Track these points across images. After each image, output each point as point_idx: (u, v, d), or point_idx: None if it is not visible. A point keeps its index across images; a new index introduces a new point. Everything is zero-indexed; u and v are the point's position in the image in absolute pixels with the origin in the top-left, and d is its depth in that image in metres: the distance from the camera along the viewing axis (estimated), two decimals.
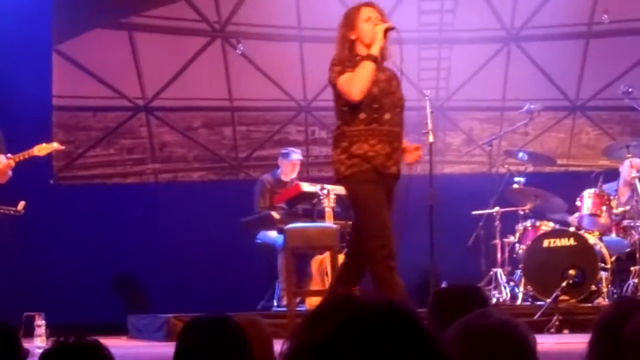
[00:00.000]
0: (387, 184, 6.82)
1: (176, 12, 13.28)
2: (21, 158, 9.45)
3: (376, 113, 6.76)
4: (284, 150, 11.10)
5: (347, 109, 6.79)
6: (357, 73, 6.69)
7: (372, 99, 6.77)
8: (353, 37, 6.90)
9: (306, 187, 9.67)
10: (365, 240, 6.76)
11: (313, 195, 9.56)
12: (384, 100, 6.81)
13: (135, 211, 12.35)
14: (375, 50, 6.79)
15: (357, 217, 6.87)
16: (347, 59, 6.86)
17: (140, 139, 13.98)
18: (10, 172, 9.26)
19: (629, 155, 10.06)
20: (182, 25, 13.43)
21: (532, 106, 10.51)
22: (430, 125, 8.71)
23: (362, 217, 6.78)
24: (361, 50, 6.88)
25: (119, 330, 10.12)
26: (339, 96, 6.85)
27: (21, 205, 9.44)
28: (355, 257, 6.95)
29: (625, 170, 10.39)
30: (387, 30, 6.87)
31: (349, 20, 6.97)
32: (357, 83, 6.66)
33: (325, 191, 9.35)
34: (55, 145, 10.18)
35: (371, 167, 6.70)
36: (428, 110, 8.87)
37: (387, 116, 6.81)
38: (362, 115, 6.74)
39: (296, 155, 10.85)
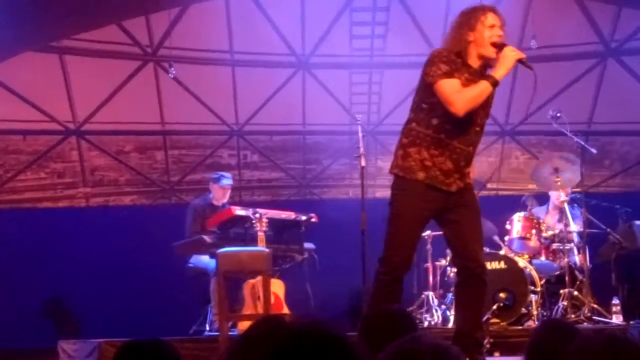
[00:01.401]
0: (441, 200, 6.29)
1: (108, 36, 13.22)
2: None
3: (450, 124, 6.17)
4: (214, 175, 11.03)
5: (426, 106, 6.23)
6: (473, 91, 6.08)
7: None
8: (471, 39, 6.25)
9: (238, 211, 9.64)
10: (384, 246, 6.36)
11: (245, 219, 9.54)
12: (465, 115, 6.16)
13: (66, 235, 12.24)
14: (500, 74, 6.13)
15: (388, 221, 6.36)
16: (452, 60, 6.19)
17: (71, 163, 13.89)
18: None
19: (558, 180, 10.18)
20: (113, 48, 13.36)
21: None
22: (362, 150, 8.76)
23: (389, 222, 6.32)
24: (472, 54, 6.27)
25: (49, 355, 9.97)
26: (427, 92, 6.22)
27: None
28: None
29: (554, 194, 10.52)
30: (518, 60, 6.18)
31: (472, 21, 6.28)
32: (469, 101, 6.06)
33: (257, 215, 9.33)
34: None
35: (423, 177, 6.21)
36: (360, 135, 8.91)
37: (461, 132, 6.23)
38: (436, 121, 6.20)
39: (227, 180, 10.78)
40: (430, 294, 9.87)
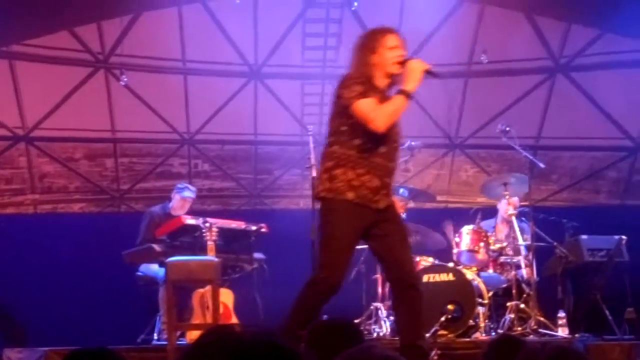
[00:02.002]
0: (370, 218, 6.37)
1: (59, 42, 13.13)
2: None
3: (372, 143, 6.29)
4: (180, 185, 10.95)
5: (345, 129, 6.33)
6: (390, 106, 6.23)
7: None
8: (374, 61, 6.42)
9: (188, 220, 9.62)
10: (316, 266, 6.51)
11: (195, 228, 9.52)
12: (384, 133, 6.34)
13: (13, 242, 12.12)
14: (412, 87, 6.24)
15: (320, 241, 6.48)
16: (361, 81, 6.32)
17: (19, 169, 13.78)
18: None
19: (506, 193, 10.27)
20: (64, 55, 13.28)
21: (412, 143, 10.63)
22: (313, 160, 8.79)
23: (322, 244, 6.41)
24: (377, 76, 6.44)
25: None
26: (345, 115, 6.32)
27: None
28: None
29: (503, 207, 10.61)
30: (426, 71, 6.33)
31: (373, 43, 6.48)
32: (387, 117, 6.20)
33: (207, 224, 9.32)
34: None
35: (352, 196, 6.28)
36: (311, 145, 8.95)
37: (382, 149, 6.36)
38: (358, 142, 6.30)
39: (188, 192, 10.72)
40: (380, 305, 9.89)
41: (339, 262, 6.35)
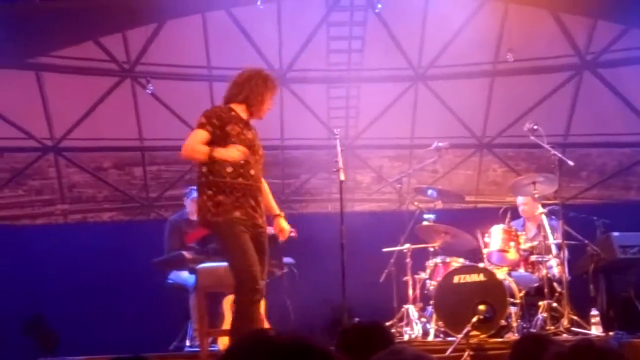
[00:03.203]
0: (252, 231, 6.99)
1: (84, 52, 13.20)
2: None
3: (242, 169, 6.97)
4: (187, 190, 11.03)
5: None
6: (196, 153, 6.93)
7: None
8: (265, 98, 7.17)
9: None
10: (233, 276, 6.90)
11: None
12: (251, 158, 7.01)
13: (45, 252, 12.16)
14: (217, 156, 6.87)
15: (226, 256, 7.06)
16: (217, 116, 7.08)
17: (49, 180, 13.86)
18: None
19: (535, 192, 10.21)
20: (90, 65, 13.35)
21: (439, 144, 10.60)
22: (340, 164, 8.77)
23: (230, 255, 6.96)
24: (253, 111, 7.17)
25: None
26: (210, 145, 6.99)
27: None
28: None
29: (521, 207, 10.59)
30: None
31: (272, 89, 7.25)
32: (189, 155, 7.06)
33: None
34: None
35: (239, 214, 6.91)
36: (338, 149, 8.92)
37: (252, 172, 7.04)
38: (229, 169, 6.94)
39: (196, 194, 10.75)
40: (411, 307, 9.87)
41: (251, 262, 6.84)
